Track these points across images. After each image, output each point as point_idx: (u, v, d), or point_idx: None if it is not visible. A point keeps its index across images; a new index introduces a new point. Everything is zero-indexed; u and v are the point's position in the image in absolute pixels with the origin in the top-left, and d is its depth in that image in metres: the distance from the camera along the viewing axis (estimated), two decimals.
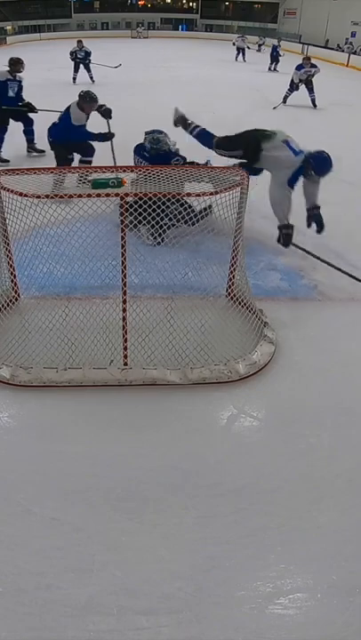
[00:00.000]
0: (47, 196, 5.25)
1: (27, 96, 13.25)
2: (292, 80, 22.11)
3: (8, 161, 13.45)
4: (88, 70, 27.42)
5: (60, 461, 4.79)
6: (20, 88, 13.42)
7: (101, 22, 74.42)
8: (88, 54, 27.47)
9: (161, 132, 8.89)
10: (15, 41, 58.43)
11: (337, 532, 4.25)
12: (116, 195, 5.28)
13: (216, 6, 78.17)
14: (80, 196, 5.28)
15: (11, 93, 13.24)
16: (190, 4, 79.91)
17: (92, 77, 27.36)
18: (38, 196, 5.29)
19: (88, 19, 73.92)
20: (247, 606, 3.72)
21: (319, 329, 6.73)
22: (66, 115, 10.56)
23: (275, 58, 35.48)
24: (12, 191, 5.42)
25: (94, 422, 5.23)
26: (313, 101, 22.08)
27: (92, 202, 5.47)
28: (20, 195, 5.32)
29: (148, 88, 23.13)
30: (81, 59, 27.37)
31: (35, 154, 14.12)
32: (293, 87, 22.20)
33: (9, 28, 64.27)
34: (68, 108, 10.57)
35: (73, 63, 27.48)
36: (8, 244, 6.26)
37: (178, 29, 76.36)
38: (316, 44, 51.09)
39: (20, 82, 13.32)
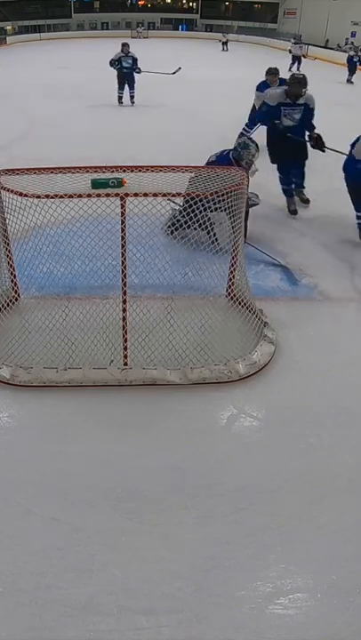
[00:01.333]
0: (47, 196, 5.25)
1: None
2: (253, 107, 14.90)
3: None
4: (131, 87, 20.97)
5: (59, 461, 4.79)
6: (307, 113, 9.77)
7: (101, 22, 74.45)
8: (135, 62, 20.79)
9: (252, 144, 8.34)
10: (15, 41, 58.60)
11: (337, 532, 4.25)
12: (116, 195, 5.28)
13: (216, 6, 78.07)
14: (80, 196, 5.28)
15: (287, 122, 9.71)
16: (190, 3, 79.87)
17: (133, 97, 21.20)
18: (38, 196, 5.29)
19: (88, 19, 73.98)
20: (247, 606, 3.72)
21: (319, 329, 6.73)
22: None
23: (352, 69, 32.21)
24: (12, 191, 5.43)
25: (94, 422, 5.23)
26: None
27: (93, 202, 5.48)
28: (20, 194, 5.32)
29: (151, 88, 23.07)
30: (128, 69, 20.67)
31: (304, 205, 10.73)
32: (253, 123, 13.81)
33: (9, 27, 64.36)
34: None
35: (117, 76, 20.76)
36: (8, 244, 6.27)
37: (178, 29, 76.30)
38: (317, 44, 51.05)
39: (308, 105, 9.72)
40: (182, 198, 5.98)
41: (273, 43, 57.50)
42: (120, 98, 21.12)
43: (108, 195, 5.33)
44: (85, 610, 3.66)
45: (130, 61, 20.56)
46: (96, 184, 5.47)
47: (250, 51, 49.60)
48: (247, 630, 3.60)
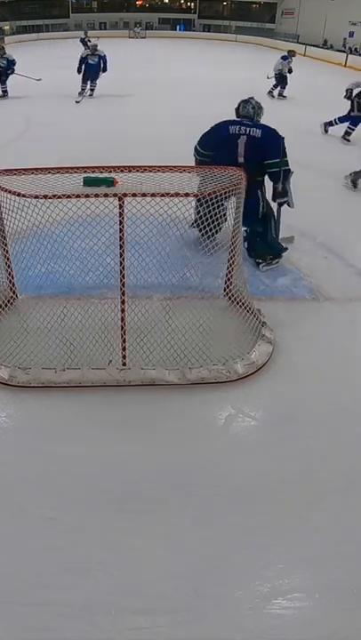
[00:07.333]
0: (45, 197, 5.24)
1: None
2: None
3: None
4: (92, 80, 22.73)
5: (58, 461, 4.80)
6: None
7: (99, 22, 74.19)
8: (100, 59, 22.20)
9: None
10: (13, 41, 58.36)
11: (335, 533, 4.25)
12: (115, 195, 5.28)
13: (214, 6, 78.08)
14: (78, 196, 5.28)
15: None
16: (188, 3, 79.72)
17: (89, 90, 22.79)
18: (36, 196, 5.28)
19: (86, 19, 73.63)
20: (245, 606, 3.73)
21: (317, 329, 6.74)
22: None
23: None
24: (9, 191, 5.41)
25: (93, 422, 5.24)
26: None
27: (91, 202, 5.48)
28: (18, 195, 5.31)
29: (143, 89, 23.13)
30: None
31: None
32: None
33: (7, 27, 64.17)
34: None
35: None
36: (6, 244, 6.28)
37: (176, 29, 76.26)
38: (314, 44, 51.14)
39: None
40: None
41: (271, 43, 57.54)
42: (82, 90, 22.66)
43: (106, 195, 5.33)
44: (83, 610, 3.66)
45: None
46: (88, 181, 5.47)
47: (248, 51, 49.58)
48: (245, 630, 3.61)
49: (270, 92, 23.48)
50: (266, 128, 7.85)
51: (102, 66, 22.33)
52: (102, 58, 22.21)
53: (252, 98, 8.18)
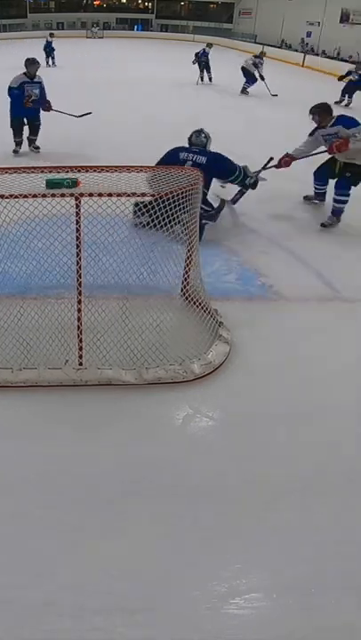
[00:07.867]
0: (2, 196, 5.21)
1: None
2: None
3: None
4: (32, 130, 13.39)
5: (14, 460, 4.78)
6: None
7: (57, 22, 73.69)
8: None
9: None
10: None
11: (292, 533, 4.26)
12: (71, 195, 5.26)
13: (171, 6, 78.23)
14: (35, 196, 5.25)
15: None
16: (146, 3, 79.75)
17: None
18: None
19: (43, 19, 73.14)
20: (203, 606, 3.73)
21: (274, 328, 6.76)
22: None
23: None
24: None
25: (50, 422, 5.22)
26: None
27: (48, 201, 5.46)
28: None
29: (101, 89, 23.09)
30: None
31: None
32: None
33: None
34: None
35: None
36: None
37: (133, 29, 76.32)
38: (272, 44, 51.30)
39: None
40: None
41: (229, 42, 57.74)
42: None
43: (62, 195, 5.31)
44: (41, 610, 3.64)
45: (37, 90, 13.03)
46: (51, 184, 5.43)
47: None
48: (203, 630, 3.60)
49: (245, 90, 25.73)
50: (211, 155, 9.03)
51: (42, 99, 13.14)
52: (42, 87, 13.18)
53: (202, 129, 9.20)
